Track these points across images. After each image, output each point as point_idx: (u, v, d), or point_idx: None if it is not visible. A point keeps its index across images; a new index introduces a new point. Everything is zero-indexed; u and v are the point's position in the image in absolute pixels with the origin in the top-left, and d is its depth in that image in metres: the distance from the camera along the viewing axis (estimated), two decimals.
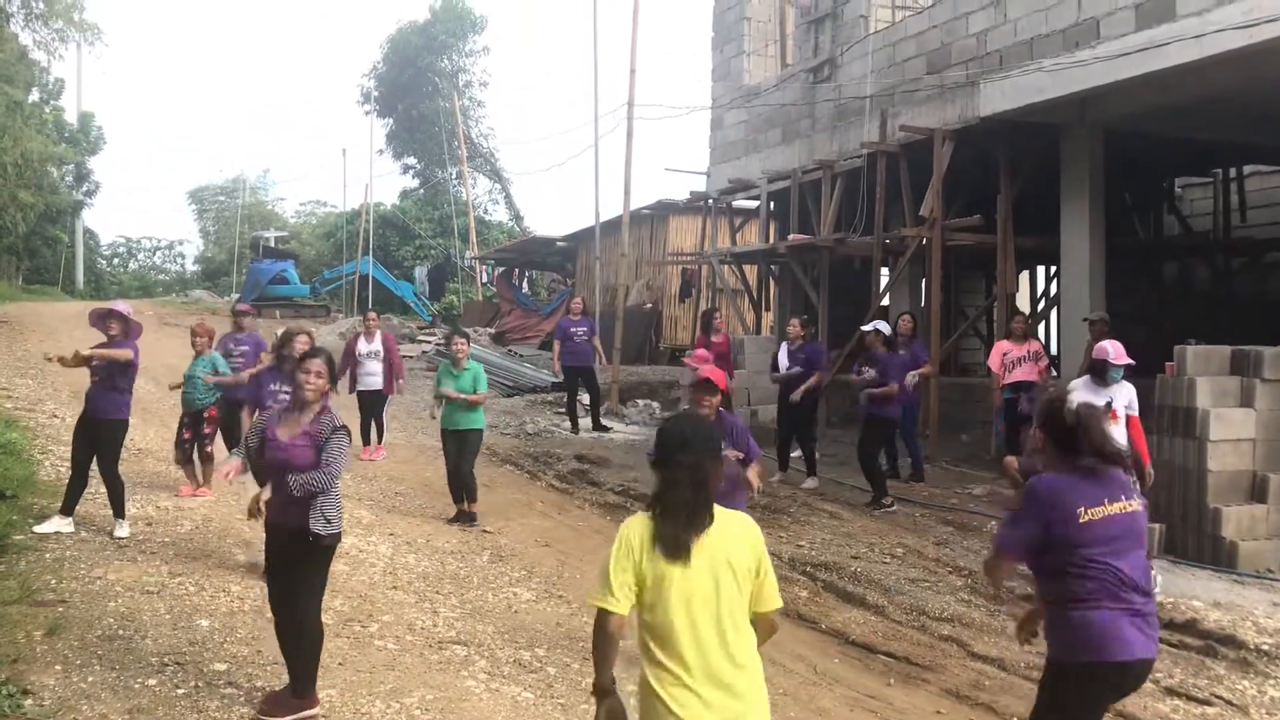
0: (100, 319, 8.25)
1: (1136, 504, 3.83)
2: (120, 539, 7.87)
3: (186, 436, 9.50)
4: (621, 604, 3.17)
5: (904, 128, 13.23)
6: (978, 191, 13.90)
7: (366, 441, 12.48)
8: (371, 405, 12.66)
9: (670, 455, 3.23)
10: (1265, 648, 6.51)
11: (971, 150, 12.82)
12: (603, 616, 3.18)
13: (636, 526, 3.24)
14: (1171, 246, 17.61)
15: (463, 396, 9.54)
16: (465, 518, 9.66)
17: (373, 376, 12.60)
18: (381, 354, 12.69)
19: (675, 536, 3.15)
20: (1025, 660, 6.45)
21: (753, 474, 6.22)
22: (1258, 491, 8.54)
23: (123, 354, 8.06)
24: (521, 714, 5.38)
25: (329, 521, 5.09)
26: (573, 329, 14.90)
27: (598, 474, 12.02)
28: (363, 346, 12.66)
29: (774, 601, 3.28)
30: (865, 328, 11.21)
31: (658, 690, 3.14)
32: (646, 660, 3.20)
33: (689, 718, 3.09)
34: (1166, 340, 10.13)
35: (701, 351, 10.61)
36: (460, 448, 9.63)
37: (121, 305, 8.44)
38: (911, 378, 11.19)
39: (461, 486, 9.73)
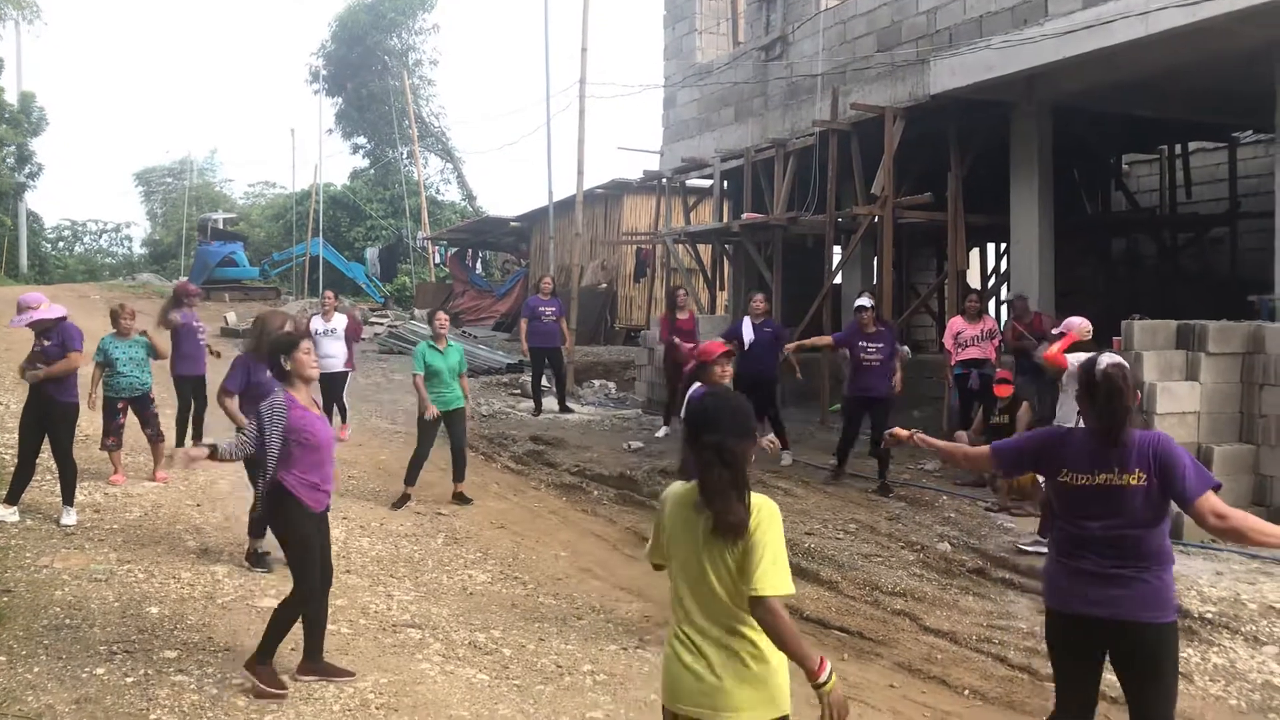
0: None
1: (1129, 479, 3.78)
2: (67, 526, 7.75)
3: (122, 422, 9.32)
4: None
5: (855, 106, 13.27)
6: (929, 169, 14.00)
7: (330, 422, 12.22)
8: (333, 386, 12.13)
9: (697, 434, 3.14)
10: (1209, 616, 6.64)
11: (922, 128, 12.89)
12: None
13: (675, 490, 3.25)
14: (1119, 222, 17.85)
15: None
16: (462, 499, 9.67)
17: (331, 358, 11.92)
18: (339, 332, 12.33)
19: (720, 516, 3.03)
20: (976, 634, 6.55)
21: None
22: (1202, 463, 8.67)
23: (69, 364, 7.88)
24: (476, 696, 5.36)
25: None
26: (542, 308, 14.48)
27: (554, 455, 11.98)
28: (317, 324, 12.15)
29: (755, 585, 3.00)
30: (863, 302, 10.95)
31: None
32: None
33: (669, 673, 3.19)
34: (1114, 315, 10.26)
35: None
36: (460, 426, 9.63)
37: (35, 307, 7.96)
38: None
39: (462, 464, 9.79)
